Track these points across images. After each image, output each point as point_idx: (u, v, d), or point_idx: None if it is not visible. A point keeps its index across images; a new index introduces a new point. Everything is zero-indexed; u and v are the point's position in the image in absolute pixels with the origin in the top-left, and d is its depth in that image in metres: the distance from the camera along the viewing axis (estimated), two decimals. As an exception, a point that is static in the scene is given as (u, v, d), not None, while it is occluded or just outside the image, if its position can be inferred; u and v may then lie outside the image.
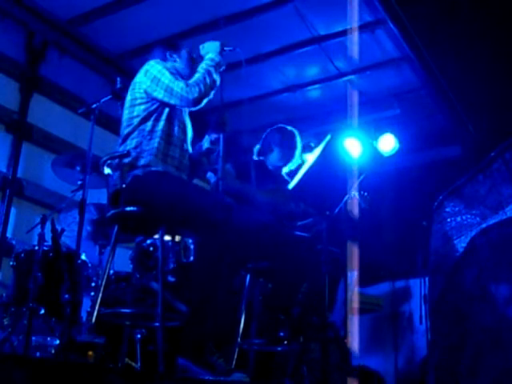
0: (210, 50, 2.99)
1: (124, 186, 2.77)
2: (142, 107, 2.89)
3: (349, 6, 4.58)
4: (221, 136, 2.89)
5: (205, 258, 2.67)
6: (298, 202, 3.51)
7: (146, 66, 2.93)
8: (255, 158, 3.93)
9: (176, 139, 2.91)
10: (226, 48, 3.02)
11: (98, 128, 3.83)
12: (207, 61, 2.95)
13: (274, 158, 3.90)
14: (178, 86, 2.82)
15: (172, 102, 2.85)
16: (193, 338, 2.55)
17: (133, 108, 2.91)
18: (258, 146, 3.99)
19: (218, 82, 2.93)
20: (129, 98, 2.96)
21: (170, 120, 2.91)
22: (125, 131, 2.91)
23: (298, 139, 3.91)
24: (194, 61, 3.08)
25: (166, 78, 2.84)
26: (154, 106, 2.89)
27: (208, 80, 2.86)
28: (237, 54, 3.05)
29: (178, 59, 3.09)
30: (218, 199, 2.82)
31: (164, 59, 3.06)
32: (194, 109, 2.96)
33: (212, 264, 2.59)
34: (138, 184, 2.78)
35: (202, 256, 2.74)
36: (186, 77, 2.99)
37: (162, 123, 2.88)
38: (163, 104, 2.89)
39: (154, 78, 2.86)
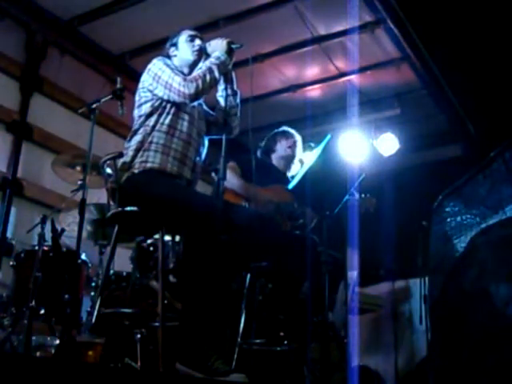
0: (216, 49, 2.97)
1: (120, 184, 2.78)
2: (149, 104, 2.93)
3: (349, 6, 4.58)
4: (223, 136, 2.87)
5: (204, 257, 2.65)
6: (298, 201, 3.52)
7: (149, 65, 2.97)
8: (258, 156, 3.94)
9: (180, 132, 2.92)
10: (233, 46, 2.97)
11: (98, 128, 3.83)
12: (212, 58, 2.94)
13: (274, 160, 3.92)
14: (176, 81, 2.84)
15: (171, 97, 2.87)
16: (192, 338, 2.55)
17: (140, 107, 2.96)
18: (260, 147, 4.00)
19: (219, 80, 2.94)
20: (136, 98, 3.00)
21: (176, 114, 2.93)
22: (133, 128, 2.96)
23: (300, 144, 3.93)
24: (192, 40, 3.06)
25: (166, 74, 2.87)
26: (158, 102, 2.92)
27: (208, 77, 2.86)
28: (240, 53, 3.02)
29: (176, 51, 3.09)
30: (212, 201, 2.79)
31: (168, 56, 3.08)
32: (191, 104, 2.96)
33: (212, 264, 2.58)
34: (131, 183, 2.81)
35: (202, 256, 2.73)
36: (189, 66, 3.03)
37: (166, 118, 2.90)
38: (166, 100, 2.91)
39: (155, 76, 2.89)
